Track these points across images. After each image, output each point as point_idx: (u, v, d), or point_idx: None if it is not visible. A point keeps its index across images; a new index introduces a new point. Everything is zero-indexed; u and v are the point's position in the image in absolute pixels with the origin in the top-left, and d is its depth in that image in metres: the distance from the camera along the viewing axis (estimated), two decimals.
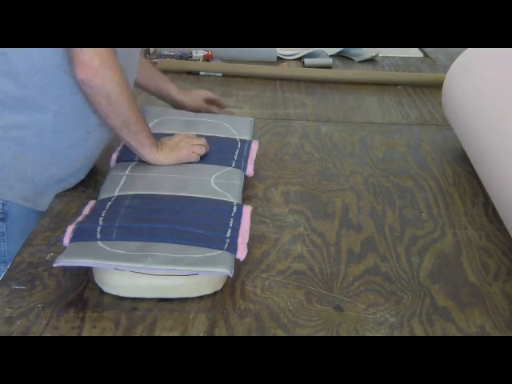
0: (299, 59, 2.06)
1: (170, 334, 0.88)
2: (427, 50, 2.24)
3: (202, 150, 1.24)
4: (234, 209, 1.08)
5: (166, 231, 0.98)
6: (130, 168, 1.19)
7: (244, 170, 1.24)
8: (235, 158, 1.26)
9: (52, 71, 1.08)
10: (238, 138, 1.34)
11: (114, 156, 1.24)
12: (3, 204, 1.16)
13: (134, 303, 0.94)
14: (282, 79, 1.90)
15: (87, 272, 0.99)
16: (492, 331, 0.93)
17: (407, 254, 1.09)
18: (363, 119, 1.65)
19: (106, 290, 0.95)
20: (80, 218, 1.04)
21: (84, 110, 1.13)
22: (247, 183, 1.24)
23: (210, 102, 1.50)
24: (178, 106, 1.45)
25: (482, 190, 1.28)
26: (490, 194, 1.21)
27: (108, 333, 0.88)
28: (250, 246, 1.07)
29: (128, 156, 1.21)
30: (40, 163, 1.15)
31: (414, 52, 2.23)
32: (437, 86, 1.71)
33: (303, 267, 1.04)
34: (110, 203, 1.07)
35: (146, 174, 1.17)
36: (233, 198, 1.12)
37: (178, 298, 0.95)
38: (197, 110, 1.45)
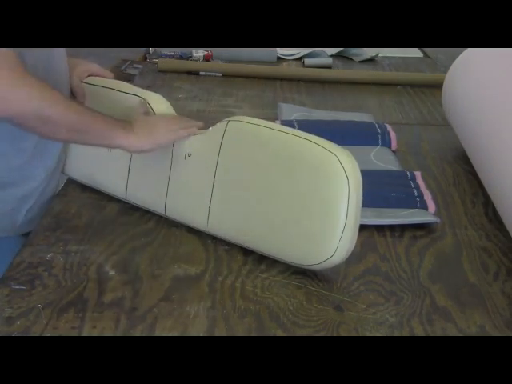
0: (299, 59, 2.06)
1: (170, 334, 0.88)
2: (427, 49, 2.24)
3: (187, 128, 1.09)
4: (408, 174, 1.29)
5: (367, 196, 1.13)
6: None
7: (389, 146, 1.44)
8: (379, 138, 1.45)
9: None
10: (374, 122, 1.54)
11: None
12: None
13: (133, 303, 0.94)
14: (282, 79, 1.90)
15: (87, 272, 0.99)
16: (492, 331, 0.92)
17: (407, 254, 1.09)
18: None
19: None
20: None
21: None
22: None
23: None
24: None
25: (482, 190, 1.28)
26: (490, 194, 1.21)
27: (108, 333, 0.88)
28: None
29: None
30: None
31: (414, 52, 2.23)
32: (437, 86, 1.71)
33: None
34: None
35: None
36: (396, 168, 1.34)
37: (177, 298, 0.95)
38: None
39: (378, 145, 1.43)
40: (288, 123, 1.47)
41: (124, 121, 1.04)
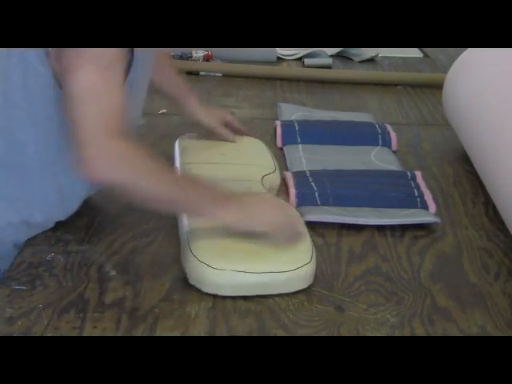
0: (299, 59, 2.06)
1: (171, 334, 0.88)
2: (427, 50, 2.24)
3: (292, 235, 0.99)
4: (408, 174, 1.29)
5: (367, 196, 1.20)
6: (301, 150, 1.38)
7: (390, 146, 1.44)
8: (379, 138, 1.45)
9: None
10: (374, 122, 1.54)
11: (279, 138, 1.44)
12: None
13: (134, 303, 0.94)
14: (282, 79, 1.90)
15: (87, 272, 0.99)
16: (493, 331, 0.93)
17: (408, 254, 1.09)
18: None
19: (204, 289, 0.95)
20: (291, 183, 1.22)
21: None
22: None
23: (227, 125, 1.32)
24: (192, 120, 1.30)
25: (483, 190, 1.28)
26: (491, 194, 1.21)
27: (109, 333, 0.88)
28: None
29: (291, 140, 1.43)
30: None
31: (414, 52, 2.23)
32: (437, 86, 1.71)
33: None
34: (308, 174, 1.25)
35: (319, 157, 1.35)
36: (396, 168, 1.34)
37: (178, 299, 0.95)
38: (209, 132, 1.31)
39: (378, 145, 1.43)
40: (288, 123, 1.47)
41: (230, 193, 0.97)
